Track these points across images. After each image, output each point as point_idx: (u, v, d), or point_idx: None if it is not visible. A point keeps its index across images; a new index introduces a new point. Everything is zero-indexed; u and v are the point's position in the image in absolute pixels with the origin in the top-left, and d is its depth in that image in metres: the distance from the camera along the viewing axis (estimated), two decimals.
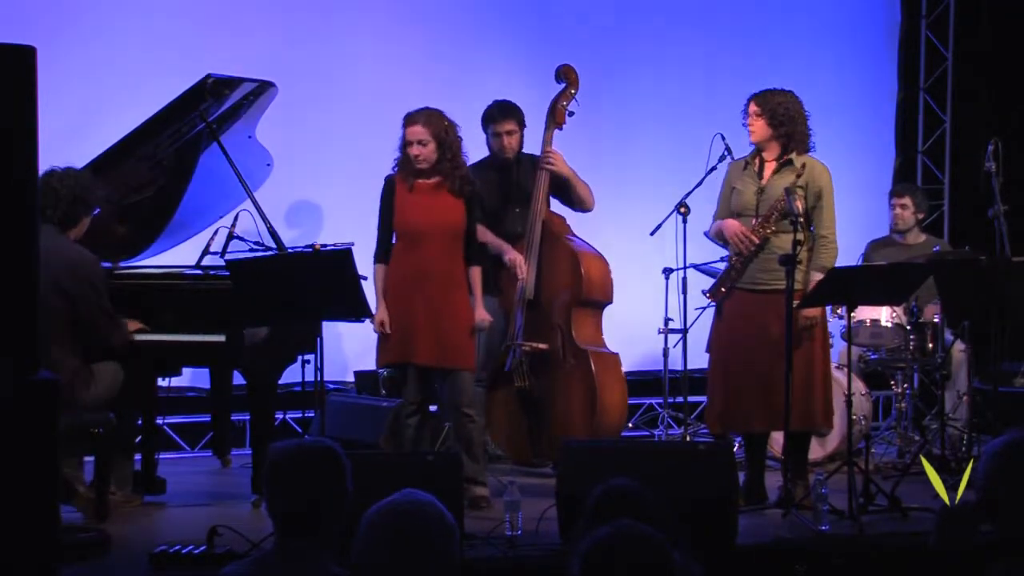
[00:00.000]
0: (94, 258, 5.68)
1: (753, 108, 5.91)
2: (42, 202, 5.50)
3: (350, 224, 7.03)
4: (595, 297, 6.70)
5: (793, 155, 5.91)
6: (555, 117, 6.63)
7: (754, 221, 5.89)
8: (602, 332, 6.76)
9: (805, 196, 5.88)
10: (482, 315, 5.91)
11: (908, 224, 7.58)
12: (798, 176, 5.84)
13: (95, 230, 5.98)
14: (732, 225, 5.92)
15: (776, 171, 5.92)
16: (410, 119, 5.81)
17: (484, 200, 6.20)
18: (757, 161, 5.96)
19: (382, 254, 5.89)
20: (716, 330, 6.03)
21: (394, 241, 5.89)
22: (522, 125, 6.60)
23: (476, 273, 5.92)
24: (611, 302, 6.79)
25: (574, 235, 6.74)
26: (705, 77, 8.58)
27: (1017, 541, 3.10)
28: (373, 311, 5.68)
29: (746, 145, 6.13)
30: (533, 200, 6.54)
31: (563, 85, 6.68)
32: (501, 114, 6.52)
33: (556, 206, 6.81)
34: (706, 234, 6.27)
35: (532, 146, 6.73)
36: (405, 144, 5.82)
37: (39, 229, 3.49)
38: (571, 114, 6.66)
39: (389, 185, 5.89)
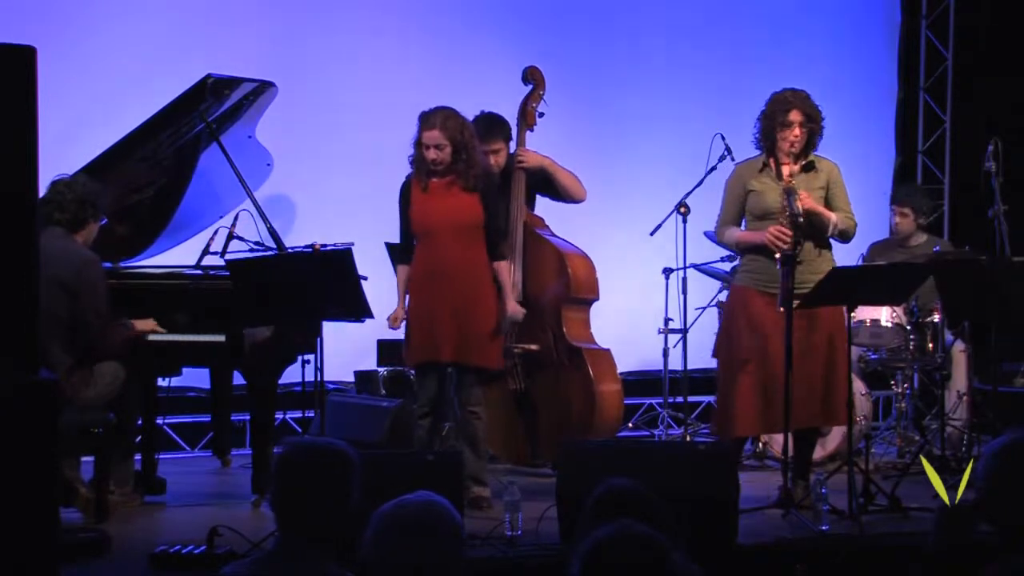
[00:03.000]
0: (98, 260, 5.69)
1: (800, 117, 5.83)
2: (49, 207, 5.54)
3: (350, 224, 7.04)
4: (584, 295, 6.71)
5: (813, 157, 5.91)
6: (526, 119, 6.65)
7: (780, 220, 5.84)
8: (590, 329, 6.76)
9: (827, 196, 5.90)
10: (513, 308, 5.88)
11: (909, 231, 7.56)
12: (824, 178, 5.92)
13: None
14: (765, 231, 5.83)
15: (801, 172, 5.89)
16: (426, 122, 5.77)
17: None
18: (772, 162, 5.92)
19: (404, 255, 5.93)
20: (740, 334, 5.90)
21: (415, 242, 5.90)
22: (508, 140, 6.59)
23: (503, 267, 5.91)
24: (598, 299, 6.79)
25: (554, 234, 6.74)
26: (705, 77, 8.58)
27: (1016, 541, 3.10)
28: (374, 311, 5.68)
29: (745, 145, 6.10)
30: (512, 202, 6.52)
31: (531, 86, 6.69)
32: (487, 134, 6.44)
33: (549, 204, 6.78)
34: (711, 236, 6.21)
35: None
36: (419, 143, 5.81)
37: (39, 230, 3.49)
38: (541, 115, 6.67)
39: (405, 187, 5.91)
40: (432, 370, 5.86)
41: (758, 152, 5.98)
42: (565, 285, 6.61)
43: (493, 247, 5.89)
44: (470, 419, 5.92)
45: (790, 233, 5.76)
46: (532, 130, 6.66)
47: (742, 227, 6.00)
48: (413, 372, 7.07)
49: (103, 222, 5.85)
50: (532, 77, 6.71)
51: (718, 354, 6.07)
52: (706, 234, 7.25)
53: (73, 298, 5.54)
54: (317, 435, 5.79)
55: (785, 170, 5.85)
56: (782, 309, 5.70)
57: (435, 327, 5.80)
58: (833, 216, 5.87)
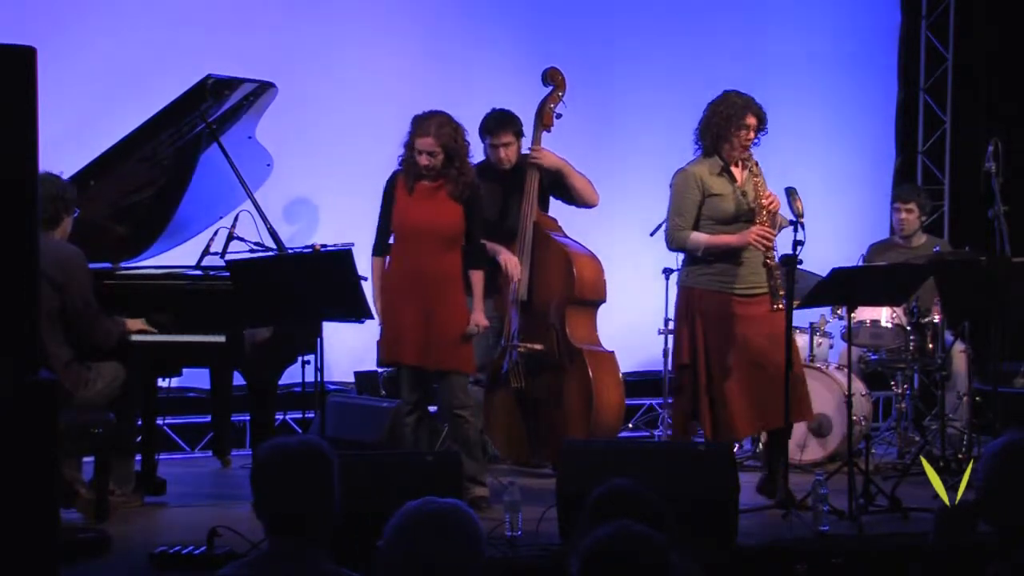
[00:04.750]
0: (80, 253, 5.68)
1: (755, 121, 5.87)
2: None
3: (349, 224, 7.03)
4: (588, 297, 6.70)
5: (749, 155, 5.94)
6: (542, 119, 6.65)
7: (764, 220, 5.85)
8: (596, 331, 6.76)
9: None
10: (477, 319, 5.86)
11: (914, 229, 7.55)
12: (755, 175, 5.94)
13: (95, 231, 5.98)
14: (748, 232, 5.83)
15: (745, 172, 5.90)
16: (420, 128, 5.76)
17: (485, 205, 6.18)
18: (733, 165, 5.96)
19: (379, 247, 5.91)
20: (720, 336, 5.88)
21: (392, 240, 5.90)
22: (519, 135, 6.58)
23: (477, 277, 5.91)
24: (605, 301, 6.79)
25: (566, 235, 6.74)
26: (705, 77, 8.54)
27: (1016, 541, 3.10)
28: (373, 311, 5.68)
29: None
30: (523, 201, 6.54)
31: (550, 88, 6.69)
32: (498, 126, 6.48)
33: (560, 207, 6.80)
34: (671, 246, 6.15)
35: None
36: (411, 147, 5.80)
37: (39, 230, 3.49)
38: (559, 116, 6.67)
39: (391, 182, 5.89)
40: (405, 369, 5.86)
41: (698, 153, 5.98)
42: (570, 286, 6.61)
43: (471, 257, 5.89)
44: (458, 423, 5.90)
45: (775, 233, 5.79)
46: (549, 131, 6.66)
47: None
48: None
49: (76, 214, 5.82)
50: (552, 79, 6.70)
51: (682, 359, 5.98)
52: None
53: (59, 292, 5.54)
54: (317, 435, 5.79)
55: (739, 171, 5.89)
56: (779, 307, 5.72)
57: (402, 330, 5.79)
58: (778, 216, 5.90)
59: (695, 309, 5.96)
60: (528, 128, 6.64)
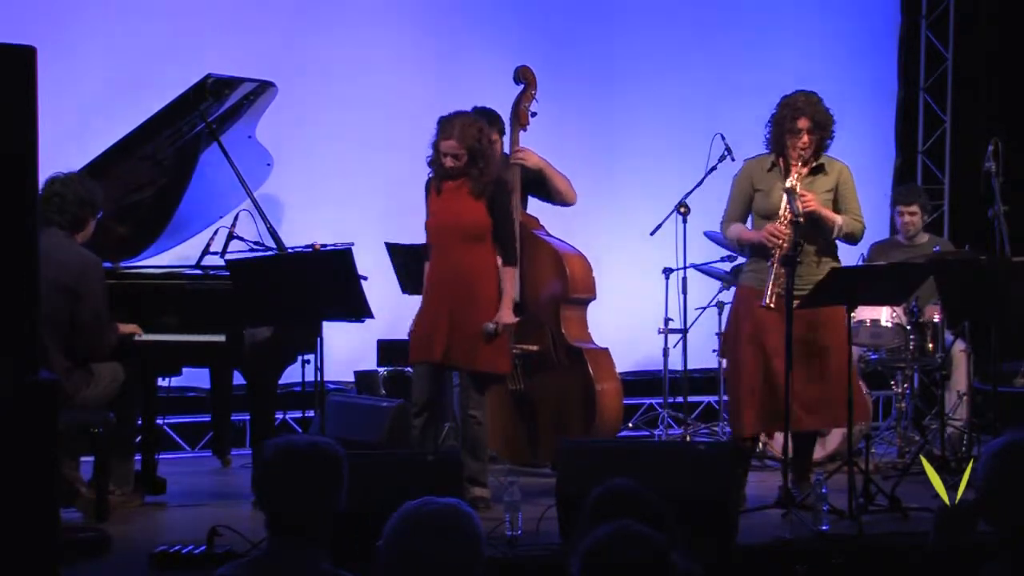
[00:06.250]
0: (98, 263, 5.69)
1: (808, 124, 5.80)
2: (48, 208, 5.52)
3: (349, 224, 7.04)
4: (582, 295, 6.73)
5: (823, 160, 5.89)
6: (519, 119, 6.67)
7: (783, 219, 5.83)
8: (588, 328, 6.77)
9: (835, 197, 5.88)
10: (500, 317, 5.85)
11: (918, 230, 7.55)
12: (833, 180, 5.89)
13: (95, 230, 5.97)
14: (764, 229, 5.81)
15: (809, 175, 5.86)
16: (444, 131, 5.81)
17: None
18: (781, 162, 5.91)
19: (427, 254, 5.99)
20: (746, 334, 5.84)
21: None
22: (502, 133, 6.61)
23: (507, 273, 5.93)
24: (595, 298, 6.80)
25: (550, 234, 6.75)
26: (705, 76, 8.58)
27: (1015, 541, 3.10)
28: (374, 311, 5.67)
29: (744, 146, 6.10)
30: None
31: (522, 86, 6.70)
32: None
33: (538, 205, 6.79)
34: (711, 236, 6.19)
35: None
36: (437, 148, 5.84)
37: (39, 230, 3.49)
38: (534, 114, 6.68)
39: (426, 189, 5.96)
40: (427, 369, 5.87)
41: (768, 151, 5.97)
42: (564, 286, 6.62)
43: (505, 253, 5.91)
44: (470, 423, 5.92)
45: (785, 231, 5.75)
46: (525, 130, 6.67)
47: (748, 224, 5.98)
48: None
49: (100, 215, 5.83)
50: (524, 77, 6.72)
51: (724, 354, 6.07)
52: (706, 234, 7.26)
53: (75, 301, 5.54)
54: (317, 435, 5.78)
55: (792, 172, 5.83)
56: (771, 305, 5.69)
57: (433, 328, 5.82)
58: (839, 219, 5.85)
59: (737, 305, 6.01)
60: (534, 119, 6.65)
